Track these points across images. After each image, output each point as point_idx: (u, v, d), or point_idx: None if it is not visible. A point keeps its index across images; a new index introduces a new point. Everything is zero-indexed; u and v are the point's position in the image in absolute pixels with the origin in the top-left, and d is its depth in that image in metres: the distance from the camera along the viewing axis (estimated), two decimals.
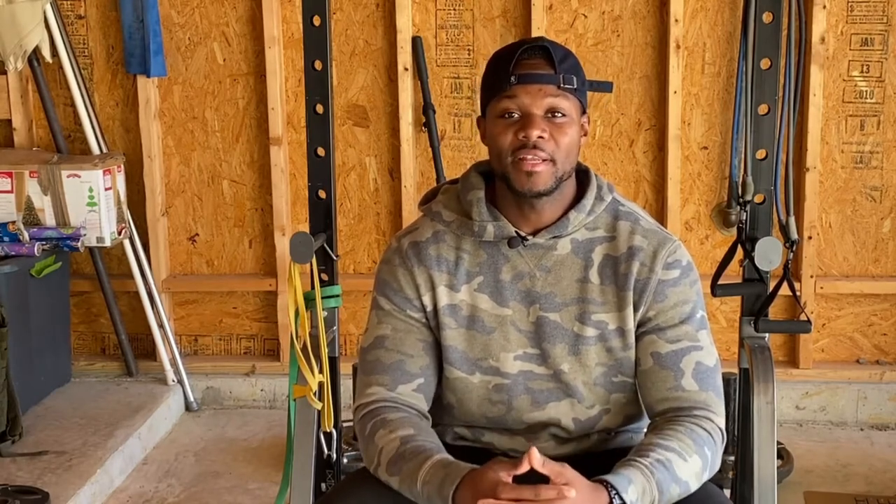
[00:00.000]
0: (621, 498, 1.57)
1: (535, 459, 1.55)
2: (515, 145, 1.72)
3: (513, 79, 1.72)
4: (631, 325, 1.79)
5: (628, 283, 1.78)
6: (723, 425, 1.76)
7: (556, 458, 1.85)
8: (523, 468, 1.55)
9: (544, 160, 1.71)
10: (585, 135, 1.81)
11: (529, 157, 1.71)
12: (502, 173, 1.76)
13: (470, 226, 1.81)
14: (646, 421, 1.87)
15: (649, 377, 1.78)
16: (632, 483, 1.59)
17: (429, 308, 1.83)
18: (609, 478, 1.59)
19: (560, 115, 1.72)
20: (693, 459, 1.68)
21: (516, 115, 1.73)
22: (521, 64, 1.73)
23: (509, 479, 1.55)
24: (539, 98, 1.72)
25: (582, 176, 1.84)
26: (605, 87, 1.99)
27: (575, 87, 1.74)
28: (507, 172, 1.74)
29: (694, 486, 1.68)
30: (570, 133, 1.73)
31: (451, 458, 1.67)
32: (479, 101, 1.84)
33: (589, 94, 1.81)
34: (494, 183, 1.82)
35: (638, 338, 1.80)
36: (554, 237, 1.79)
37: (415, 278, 1.83)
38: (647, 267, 1.78)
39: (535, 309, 1.80)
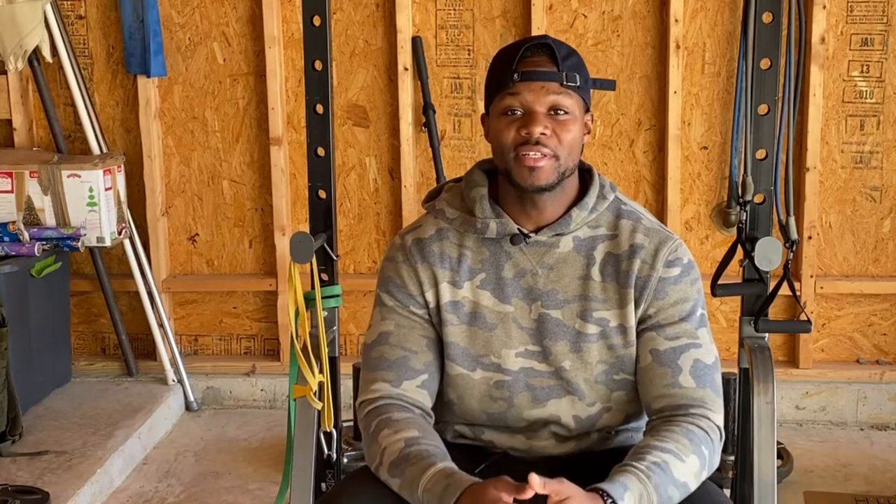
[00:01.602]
0: None
1: (536, 484, 1.52)
2: (518, 141, 1.73)
3: (516, 76, 1.73)
4: (632, 323, 1.79)
5: (630, 280, 1.79)
6: (721, 423, 1.76)
7: (556, 457, 1.85)
8: (527, 494, 1.53)
9: (546, 156, 1.72)
10: (589, 133, 1.82)
11: (532, 153, 1.72)
12: (505, 169, 1.77)
13: (473, 223, 1.82)
14: (646, 419, 1.87)
15: (647, 374, 1.79)
16: (627, 490, 1.59)
17: (431, 304, 1.84)
18: (604, 486, 1.59)
19: (563, 112, 1.74)
20: (690, 460, 1.68)
21: (519, 112, 1.74)
22: (525, 61, 1.75)
23: (510, 501, 1.53)
24: (542, 95, 1.73)
25: (585, 174, 1.85)
26: (608, 85, 2.00)
27: (578, 84, 1.75)
28: (510, 168, 1.75)
29: (693, 486, 1.69)
30: (573, 130, 1.74)
31: (454, 467, 1.67)
32: (481, 100, 1.84)
33: (591, 92, 1.82)
34: (498, 180, 1.83)
35: (638, 335, 1.80)
36: (556, 235, 1.80)
37: (418, 275, 1.84)
38: (648, 264, 1.79)
39: (538, 306, 1.80)
